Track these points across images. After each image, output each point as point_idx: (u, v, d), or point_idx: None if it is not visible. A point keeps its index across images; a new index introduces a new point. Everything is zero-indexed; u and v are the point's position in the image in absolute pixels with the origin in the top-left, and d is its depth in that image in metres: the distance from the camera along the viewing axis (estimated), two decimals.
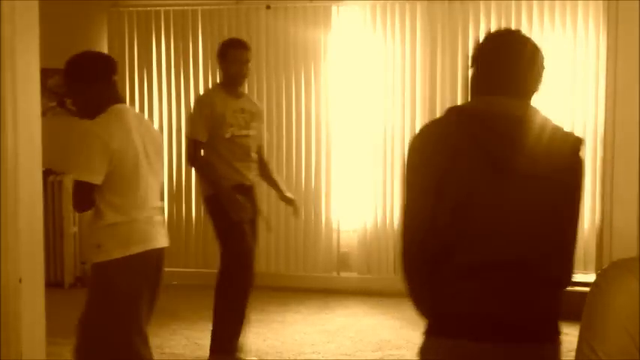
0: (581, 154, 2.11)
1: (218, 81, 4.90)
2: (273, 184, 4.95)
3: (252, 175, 4.66)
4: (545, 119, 2.10)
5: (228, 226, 4.53)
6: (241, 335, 4.72)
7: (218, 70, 4.84)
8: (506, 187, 2.02)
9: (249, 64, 4.60)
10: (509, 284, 2.03)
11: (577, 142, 2.09)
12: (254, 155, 4.65)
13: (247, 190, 4.61)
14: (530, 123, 2.03)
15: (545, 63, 2.12)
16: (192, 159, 4.60)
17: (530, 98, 2.10)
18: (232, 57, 4.51)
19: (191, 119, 4.62)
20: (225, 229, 4.58)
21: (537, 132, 2.03)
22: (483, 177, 2.01)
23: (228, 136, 4.49)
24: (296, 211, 5.03)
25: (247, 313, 4.72)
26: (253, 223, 4.68)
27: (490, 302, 2.03)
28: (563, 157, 2.05)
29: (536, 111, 2.09)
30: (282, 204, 6.88)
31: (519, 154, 1.98)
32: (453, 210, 2.01)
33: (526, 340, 2.05)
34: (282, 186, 4.98)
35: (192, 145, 4.55)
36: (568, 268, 2.11)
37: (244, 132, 4.55)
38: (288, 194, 4.96)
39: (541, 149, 2.02)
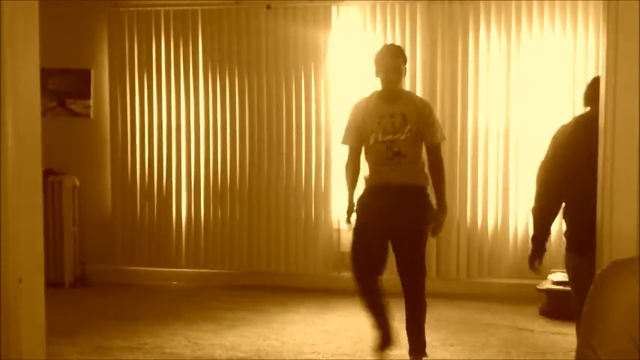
0: None
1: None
2: (434, 191, 4.76)
3: (401, 178, 4.55)
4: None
5: (354, 229, 4.69)
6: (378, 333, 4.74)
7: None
8: (589, 160, 3.12)
9: (403, 69, 4.60)
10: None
11: None
12: (409, 157, 4.54)
13: (390, 192, 4.55)
14: None
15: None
16: (345, 168, 4.80)
17: None
18: (379, 65, 4.60)
19: (345, 126, 4.77)
20: (352, 248, 4.71)
21: None
22: (581, 154, 3.39)
23: (371, 142, 4.57)
24: (434, 230, 4.69)
25: (378, 311, 4.71)
26: (397, 226, 4.53)
27: (584, 228, 3.19)
28: None
29: None
30: (282, 200, 6.95)
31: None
32: (563, 168, 3.67)
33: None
34: (440, 198, 4.70)
35: (348, 154, 4.76)
36: None
37: (389, 137, 4.53)
38: (439, 211, 4.68)
39: None
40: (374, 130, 4.55)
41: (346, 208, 4.75)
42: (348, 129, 4.73)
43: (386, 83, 4.59)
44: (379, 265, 4.63)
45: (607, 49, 6.34)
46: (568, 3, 6.43)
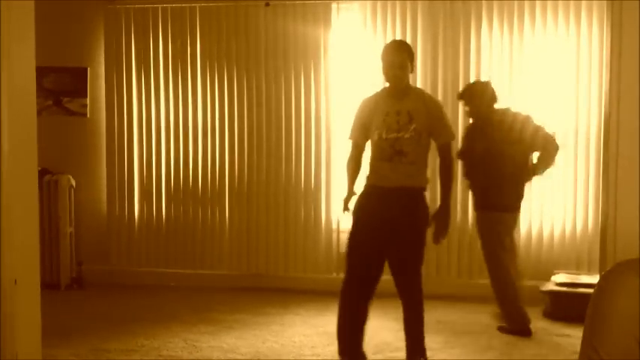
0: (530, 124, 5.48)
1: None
2: (440, 191, 4.76)
3: (398, 178, 4.49)
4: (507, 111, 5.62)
5: (350, 234, 4.63)
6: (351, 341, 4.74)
7: None
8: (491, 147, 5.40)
9: (408, 65, 4.52)
10: (503, 184, 5.41)
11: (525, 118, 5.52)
12: (410, 157, 4.48)
13: (386, 195, 4.49)
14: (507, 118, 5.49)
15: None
16: (347, 163, 4.77)
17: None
18: (384, 61, 4.54)
19: (352, 121, 4.76)
20: (347, 253, 4.66)
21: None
22: (482, 144, 5.44)
23: (375, 138, 4.54)
24: (436, 236, 4.66)
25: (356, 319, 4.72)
26: (391, 229, 4.46)
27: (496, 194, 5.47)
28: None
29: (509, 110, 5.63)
30: (282, 201, 6.89)
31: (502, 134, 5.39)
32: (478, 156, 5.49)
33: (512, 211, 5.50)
34: (444, 200, 4.65)
35: (350, 149, 4.76)
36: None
37: (393, 135, 4.47)
38: (440, 213, 4.63)
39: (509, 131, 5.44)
40: (378, 127, 4.51)
41: (345, 196, 4.69)
42: (354, 124, 4.70)
43: (392, 80, 4.55)
44: (373, 280, 4.60)
45: (610, 49, 6.31)
46: (571, 2, 6.38)
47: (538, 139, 5.40)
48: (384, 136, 4.49)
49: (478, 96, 5.50)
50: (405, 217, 4.47)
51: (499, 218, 5.45)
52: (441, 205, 4.63)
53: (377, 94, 4.67)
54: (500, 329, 5.50)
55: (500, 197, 5.44)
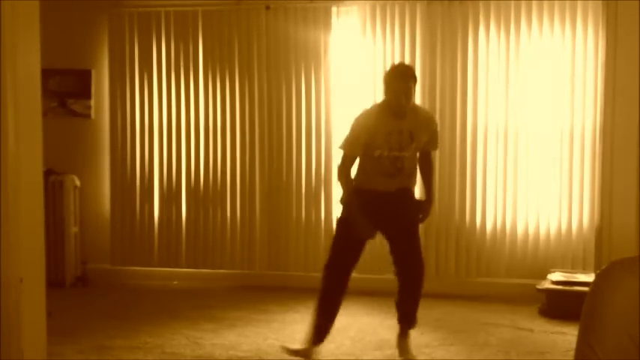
0: None
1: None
2: (424, 185, 5.03)
3: (396, 185, 4.67)
4: None
5: (338, 238, 4.84)
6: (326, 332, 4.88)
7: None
8: None
9: (412, 88, 4.60)
10: None
11: None
12: (407, 170, 4.70)
13: (383, 196, 4.66)
14: None
15: None
16: (340, 172, 4.77)
17: None
18: (389, 86, 4.57)
19: (348, 133, 4.71)
20: (335, 239, 4.88)
21: None
22: None
23: (376, 155, 4.60)
24: (421, 219, 4.94)
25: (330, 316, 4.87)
26: (386, 215, 4.69)
27: None
28: None
29: None
30: (283, 200, 6.94)
31: None
32: None
33: None
34: (429, 192, 4.96)
35: (343, 160, 4.73)
36: None
37: (395, 153, 4.59)
38: (427, 202, 4.95)
39: None
40: (380, 146, 4.58)
41: (343, 197, 4.85)
42: (353, 138, 4.66)
43: (395, 105, 4.57)
44: (355, 262, 4.85)
45: (606, 50, 6.39)
46: (567, 3, 6.41)
47: None
48: (385, 154, 4.59)
49: None
50: (406, 211, 4.73)
51: None
52: (428, 197, 4.95)
53: (377, 111, 4.70)
54: None
55: None
